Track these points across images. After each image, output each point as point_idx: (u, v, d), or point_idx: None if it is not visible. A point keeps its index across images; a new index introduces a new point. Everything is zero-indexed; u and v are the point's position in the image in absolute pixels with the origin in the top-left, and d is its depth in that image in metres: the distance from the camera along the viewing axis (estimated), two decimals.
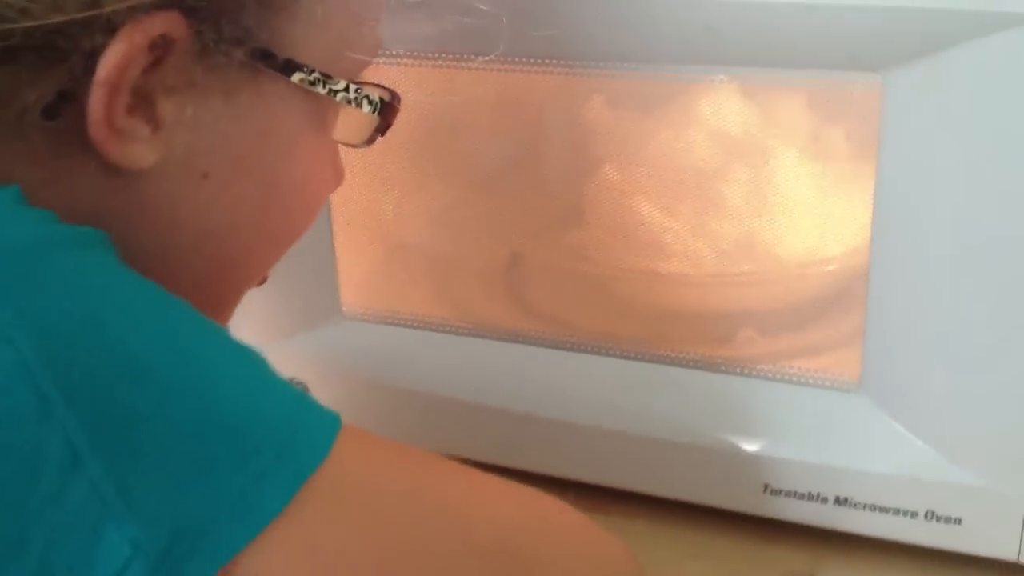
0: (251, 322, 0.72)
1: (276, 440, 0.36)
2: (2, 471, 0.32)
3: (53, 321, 0.34)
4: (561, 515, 0.45)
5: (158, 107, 0.40)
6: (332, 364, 0.71)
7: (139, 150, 0.40)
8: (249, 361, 0.38)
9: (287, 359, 0.72)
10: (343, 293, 0.71)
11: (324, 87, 0.44)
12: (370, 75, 0.49)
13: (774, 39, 0.54)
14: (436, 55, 0.62)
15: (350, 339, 0.72)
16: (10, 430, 0.33)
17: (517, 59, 0.61)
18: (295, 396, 0.38)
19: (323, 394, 0.71)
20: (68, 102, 0.38)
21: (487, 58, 0.61)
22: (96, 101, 0.38)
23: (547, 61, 0.60)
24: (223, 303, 0.49)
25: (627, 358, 0.65)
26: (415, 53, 0.62)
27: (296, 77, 0.43)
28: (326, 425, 0.37)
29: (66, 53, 0.38)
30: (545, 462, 0.66)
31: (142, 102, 0.40)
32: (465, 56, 0.62)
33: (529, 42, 0.59)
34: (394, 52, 0.63)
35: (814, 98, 0.58)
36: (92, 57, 0.38)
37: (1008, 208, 0.52)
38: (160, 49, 0.39)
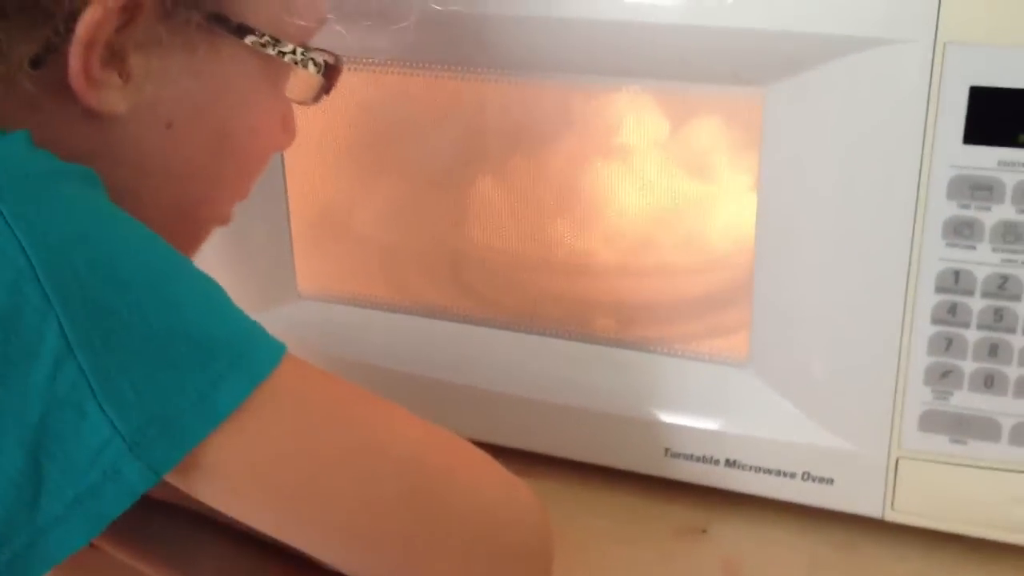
0: None
1: (232, 352, 0.42)
2: (14, 351, 0.39)
3: (55, 237, 0.40)
4: (473, 451, 0.50)
5: (128, 61, 0.46)
6: (289, 339, 0.70)
7: (112, 97, 0.46)
8: (214, 289, 0.44)
9: None
10: (299, 275, 0.76)
11: (274, 49, 0.50)
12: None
13: (670, 56, 0.59)
14: (388, 62, 0.68)
15: (306, 317, 0.76)
16: (20, 319, 0.39)
17: (462, 67, 0.66)
18: (250, 323, 0.44)
19: None
20: (52, 54, 0.44)
21: (433, 66, 0.66)
22: (75, 55, 0.44)
23: (479, 70, 0.66)
24: (189, 239, 0.56)
25: (549, 336, 0.70)
26: (370, 60, 0.68)
27: (248, 40, 0.49)
28: (274, 348, 0.44)
29: (50, 14, 0.44)
30: (479, 429, 0.67)
31: (115, 56, 0.46)
32: (413, 64, 0.67)
33: (470, 52, 0.65)
34: (351, 58, 0.68)
35: (703, 108, 0.63)
36: (72, 18, 0.44)
37: (870, 207, 0.58)
38: (130, 11, 0.45)
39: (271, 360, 0.43)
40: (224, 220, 0.56)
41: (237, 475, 0.43)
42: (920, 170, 0.56)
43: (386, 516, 0.46)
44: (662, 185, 0.67)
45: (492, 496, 0.50)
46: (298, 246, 0.76)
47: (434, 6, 0.62)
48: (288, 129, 0.56)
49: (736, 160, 0.64)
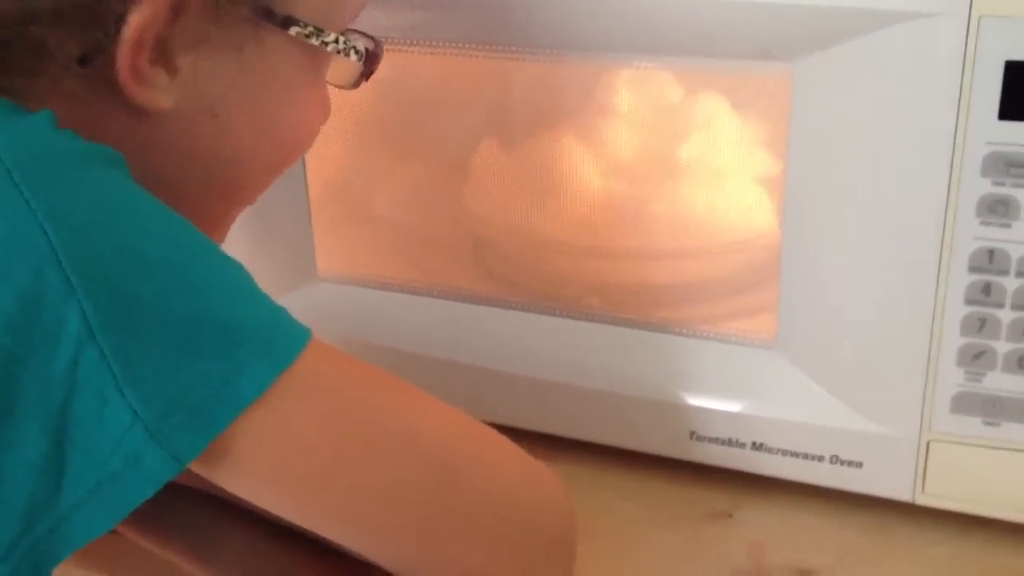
0: None
1: (257, 338, 0.41)
2: (36, 336, 0.38)
3: (77, 218, 0.39)
4: (500, 439, 0.50)
5: (175, 58, 0.46)
6: (308, 322, 0.73)
7: (159, 95, 0.46)
8: (239, 273, 0.43)
9: None
10: (319, 258, 0.76)
11: (317, 39, 0.50)
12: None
13: (695, 31, 0.58)
14: (409, 41, 0.67)
15: (325, 300, 0.76)
16: (43, 305, 0.38)
17: (484, 46, 0.65)
18: (276, 307, 0.43)
19: None
20: (101, 53, 0.44)
21: (457, 45, 0.65)
22: (124, 55, 0.44)
23: (504, 48, 0.65)
24: (222, 222, 0.56)
25: (573, 318, 0.70)
26: (393, 38, 0.66)
27: (293, 31, 0.49)
28: (300, 333, 0.43)
29: (101, 16, 0.44)
30: (501, 412, 0.68)
31: (162, 54, 0.46)
32: (435, 42, 0.66)
33: (493, 31, 0.64)
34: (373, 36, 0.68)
35: (730, 84, 0.62)
36: (121, 18, 0.44)
37: (901, 185, 0.57)
38: (178, 10, 0.45)
39: (296, 346, 0.42)
40: (252, 200, 0.56)
41: (260, 463, 0.42)
42: (953, 147, 0.55)
43: (411, 503, 0.45)
44: (688, 164, 0.66)
45: (517, 482, 0.49)
46: (318, 228, 0.75)
47: None
48: (325, 107, 0.56)
49: (764, 137, 0.63)
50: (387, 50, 0.68)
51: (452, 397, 0.72)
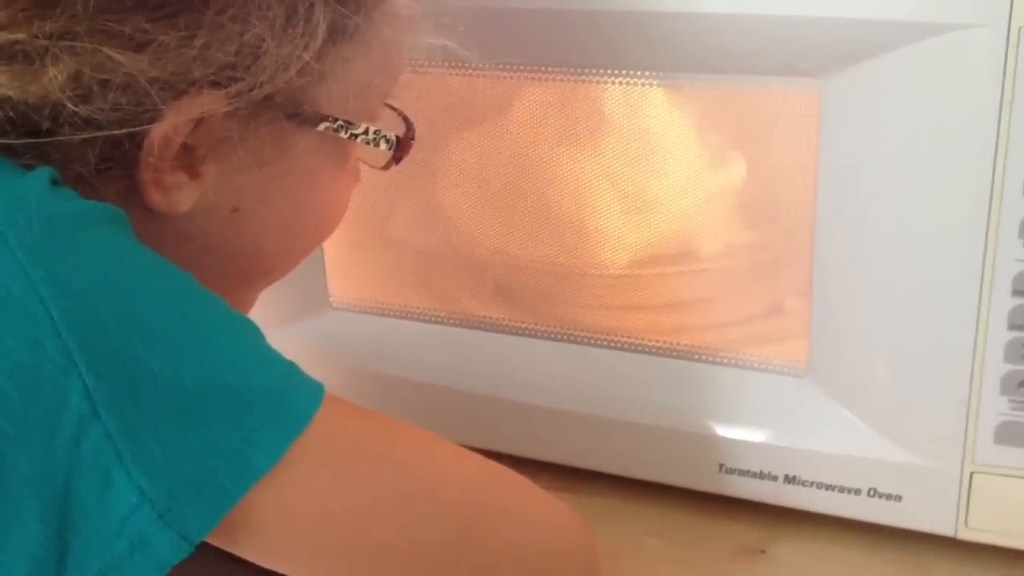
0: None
1: (268, 403, 0.39)
2: (33, 415, 0.36)
3: (78, 285, 0.37)
4: (520, 484, 0.48)
5: (197, 161, 0.44)
6: (320, 352, 0.74)
7: (180, 198, 0.45)
8: (247, 332, 0.41)
9: (278, 347, 0.75)
10: (331, 285, 0.74)
11: (346, 133, 0.48)
12: None
13: (717, 47, 0.57)
14: (424, 63, 0.65)
15: (337, 328, 0.74)
16: (40, 380, 0.36)
17: (504, 66, 0.64)
18: (286, 366, 0.41)
19: (314, 378, 0.74)
20: (121, 159, 0.43)
21: (476, 66, 0.64)
22: (144, 168, 0.43)
23: (523, 68, 0.64)
24: (244, 302, 0.54)
25: (595, 346, 0.68)
26: (411, 60, 0.64)
27: (322, 127, 0.47)
28: (312, 392, 0.41)
29: (122, 125, 0.42)
30: (521, 444, 0.69)
31: (185, 158, 0.44)
32: (451, 64, 0.65)
33: (512, 51, 0.62)
34: None
35: (757, 103, 0.60)
36: (142, 134, 0.42)
37: (938, 206, 0.54)
38: (202, 119, 0.43)
39: (309, 407, 0.40)
40: (280, 278, 0.55)
41: (276, 532, 0.40)
42: (994, 165, 0.53)
43: (435, 562, 0.43)
44: (712, 186, 0.64)
45: (540, 530, 0.48)
46: (330, 254, 0.74)
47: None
48: (355, 175, 0.55)
49: (791, 157, 0.61)
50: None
51: (471, 429, 0.73)
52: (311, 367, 0.73)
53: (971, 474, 0.58)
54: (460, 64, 0.65)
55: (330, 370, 0.75)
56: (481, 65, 0.64)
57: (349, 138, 0.48)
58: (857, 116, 0.55)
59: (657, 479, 0.67)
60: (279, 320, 0.74)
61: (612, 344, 0.68)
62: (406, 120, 0.52)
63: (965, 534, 0.59)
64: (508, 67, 0.64)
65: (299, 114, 0.46)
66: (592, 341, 0.68)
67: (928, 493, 0.60)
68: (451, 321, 0.72)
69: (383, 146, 0.50)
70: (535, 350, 0.70)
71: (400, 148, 0.51)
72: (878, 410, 0.60)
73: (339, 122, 0.47)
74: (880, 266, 0.57)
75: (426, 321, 0.73)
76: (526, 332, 0.70)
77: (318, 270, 0.74)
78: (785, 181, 0.62)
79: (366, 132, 0.49)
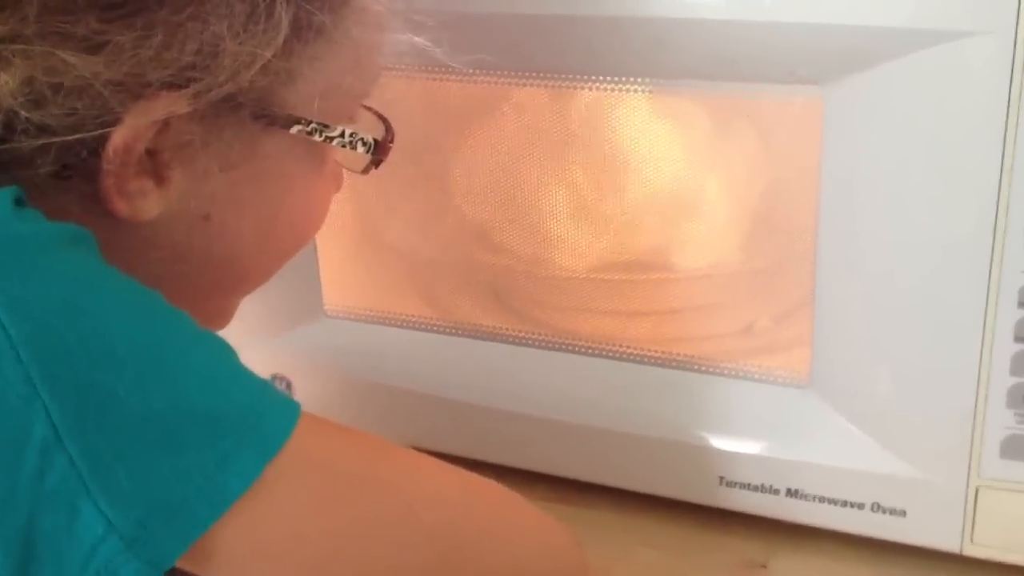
0: (237, 322, 0.74)
1: (241, 425, 0.38)
2: None
3: (40, 310, 0.36)
4: (506, 500, 0.47)
5: (162, 166, 0.43)
6: (315, 361, 0.73)
7: (145, 205, 0.43)
8: (218, 351, 0.40)
9: (272, 357, 0.75)
10: (325, 293, 0.73)
11: (321, 136, 0.46)
12: None
13: (719, 54, 0.55)
14: (418, 67, 0.64)
15: (332, 337, 0.73)
16: (2, 409, 0.35)
17: (498, 71, 0.63)
18: (259, 385, 0.40)
19: (306, 390, 0.74)
20: (81, 167, 0.41)
21: (469, 71, 0.62)
22: (107, 175, 0.41)
23: (514, 74, 0.62)
24: (223, 312, 0.53)
25: (595, 356, 0.67)
26: (398, 65, 0.63)
27: (294, 129, 0.45)
28: (287, 412, 0.39)
29: (82, 131, 0.40)
30: (515, 455, 0.68)
31: (148, 164, 0.42)
32: (445, 68, 0.62)
33: (507, 56, 0.61)
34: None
35: (756, 110, 0.59)
36: (102, 140, 0.40)
37: (944, 215, 0.53)
38: (165, 124, 0.42)
39: (284, 428, 0.39)
40: (258, 286, 0.53)
41: (250, 559, 0.39)
42: (1001, 174, 0.52)
43: None
44: (713, 194, 0.63)
45: (529, 549, 0.47)
46: (324, 261, 0.73)
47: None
48: (337, 180, 0.53)
49: (793, 165, 0.60)
50: (395, 77, 0.66)
51: (465, 439, 0.71)
52: (306, 374, 0.74)
53: (977, 489, 0.57)
54: (449, 69, 0.62)
55: (324, 377, 0.76)
56: (472, 71, 0.62)
57: (324, 141, 0.46)
58: (861, 124, 0.54)
59: (655, 492, 0.65)
60: (276, 329, 0.73)
61: (610, 353, 0.67)
62: (384, 122, 0.51)
63: (971, 550, 0.58)
64: (498, 72, 0.63)
65: (267, 115, 0.44)
66: (589, 350, 0.67)
67: (933, 508, 0.58)
68: (448, 330, 0.71)
69: (360, 149, 0.48)
70: (531, 359, 0.69)
71: (378, 151, 0.50)
72: (882, 422, 0.59)
73: (312, 124, 0.46)
74: (885, 276, 0.56)
75: (423, 330, 0.72)
76: (522, 341, 0.69)
77: (312, 277, 0.73)
78: (787, 189, 0.61)
79: (342, 135, 0.47)
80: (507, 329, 0.70)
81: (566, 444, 0.67)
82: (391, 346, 0.72)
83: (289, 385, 0.74)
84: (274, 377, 0.73)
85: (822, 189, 0.57)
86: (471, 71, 0.62)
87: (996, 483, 0.56)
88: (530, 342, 0.69)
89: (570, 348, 0.68)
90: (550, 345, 0.68)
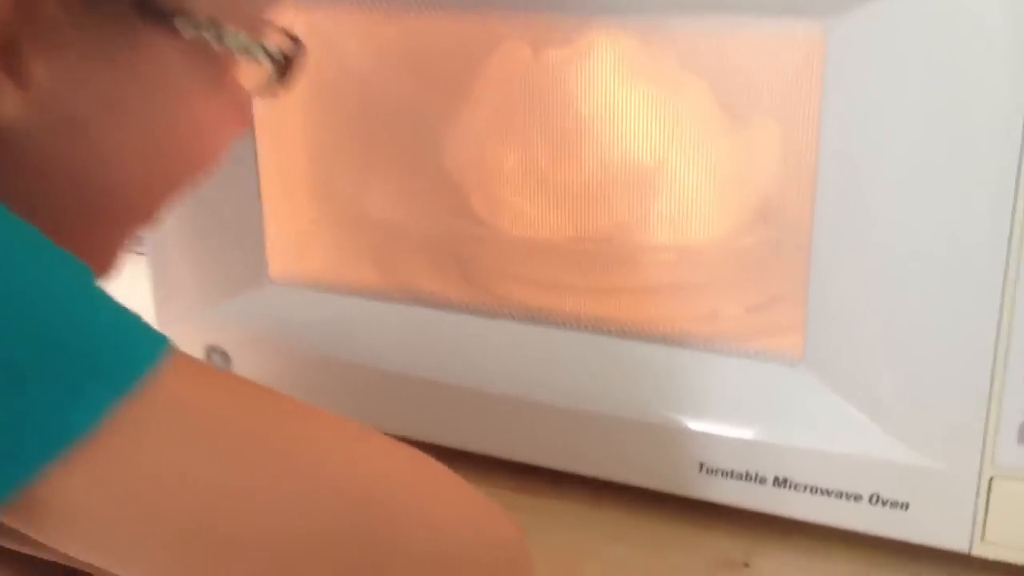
0: (171, 288, 0.70)
1: (92, 356, 0.33)
2: None
3: None
4: (445, 482, 0.42)
5: (28, 66, 0.38)
6: (258, 333, 0.70)
7: (6, 107, 0.38)
8: (72, 272, 0.35)
9: (209, 327, 0.71)
10: (270, 257, 0.69)
11: (213, 35, 0.41)
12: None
13: None
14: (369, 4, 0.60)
15: (277, 305, 0.70)
16: None
17: (456, 6, 0.59)
18: (120, 313, 0.35)
19: (247, 364, 0.69)
20: None
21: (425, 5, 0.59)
22: None
23: (486, 10, 0.58)
24: (107, 249, 0.47)
25: (564, 328, 0.63)
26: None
27: (181, 24, 0.40)
28: (151, 345, 0.35)
29: None
30: (471, 436, 0.64)
31: (9, 61, 0.37)
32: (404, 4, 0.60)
33: None
34: None
35: (752, 48, 0.55)
36: None
37: (959, 173, 0.49)
38: (26, 9, 0.37)
39: (143, 362, 0.34)
40: (148, 225, 0.48)
41: (96, 514, 0.34)
42: None
43: (315, 569, 0.36)
44: (701, 148, 0.59)
45: (465, 538, 0.41)
46: (270, 219, 0.69)
47: None
48: (242, 113, 0.47)
49: (790, 113, 0.55)
50: (350, 13, 0.61)
51: (421, 419, 0.66)
52: (247, 346, 0.69)
53: (990, 479, 0.53)
54: (420, 6, 0.59)
55: (267, 350, 0.71)
56: (435, 6, 0.59)
57: (216, 42, 0.41)
58: (867, 64, 0.50)
59: (628, 481, 0.61)
60: (214, 295, 0.69)
61: (583, 328, 0.62)
62: (295, 40, 0.45)
63: (981, 549, 0.55)
64: (472, 7, 0.59)
65: (155, 7, 0.39)
66: (561, 324, 0.63)
67: (939, 501, 0.55)
68: (404, 300, 0.67)
69: (264, 61, 0.43)
70: (497, 333, 0.65)
71: (286, 69, 0.44)
72: (883, 403, 0.55)
73: (203, 23, 0.40)
74: (890, 241, 0.52)
75: (376, 299, 0.68)
76: (488, 313, 0.65)
77: (256, 240, 0.69)
78: (782, 140, 0.56)
79: (240, 39, 0.41)
80: (471, 300, 0.66)
81: (531, 426, 0.63)
82: (341, 316, 0.69)
83: (227, 359, 0.69)
84: (210, 349, 0.69)
85: (821, 142, 0.52)
86: (433, 5, 0.59)
87: (1012, 472, 0.53)
88: (496, 314, 0.65)
89: (539, 322, 0.63)
90: (518, 318, 0.64)
